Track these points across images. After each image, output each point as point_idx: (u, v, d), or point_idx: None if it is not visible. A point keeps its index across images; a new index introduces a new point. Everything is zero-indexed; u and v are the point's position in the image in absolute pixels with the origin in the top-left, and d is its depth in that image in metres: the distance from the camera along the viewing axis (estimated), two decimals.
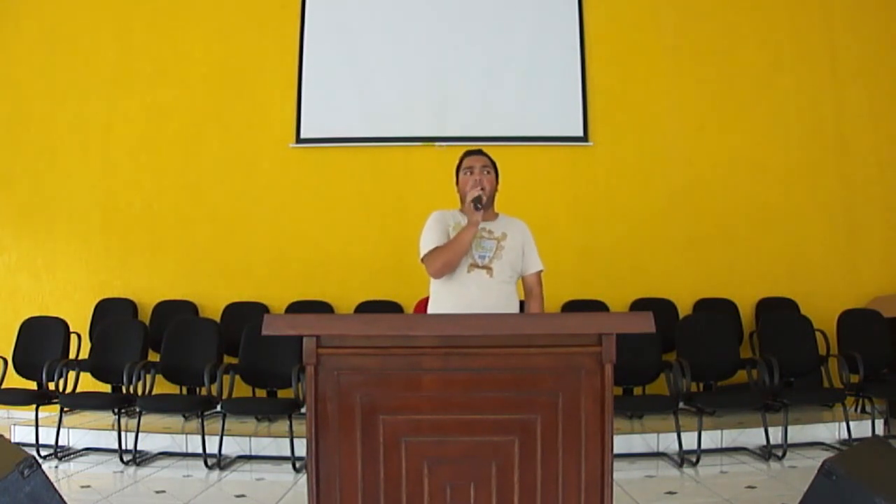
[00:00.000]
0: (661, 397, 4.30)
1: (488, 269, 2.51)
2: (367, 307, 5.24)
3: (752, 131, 5.52)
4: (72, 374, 4.40)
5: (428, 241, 2.54)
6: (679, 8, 5.60)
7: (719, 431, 4.26)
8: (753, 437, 4.20)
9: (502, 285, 2.52)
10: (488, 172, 2.61)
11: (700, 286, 5.34)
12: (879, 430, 4.37)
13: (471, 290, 2.48)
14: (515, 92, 5.50)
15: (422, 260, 2.55)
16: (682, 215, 5.45)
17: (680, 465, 3.95)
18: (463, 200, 2.63)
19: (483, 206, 2.49)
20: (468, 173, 2.61)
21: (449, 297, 2.51)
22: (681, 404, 4.07)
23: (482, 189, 2.52)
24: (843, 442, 4.24)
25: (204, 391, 4.26)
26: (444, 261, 2.47)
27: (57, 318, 4.77)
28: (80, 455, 4.27)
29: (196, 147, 5.57)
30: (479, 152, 2.67)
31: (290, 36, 5.56)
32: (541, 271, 2.65)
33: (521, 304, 2.69)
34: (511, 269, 2.56)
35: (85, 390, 4.46)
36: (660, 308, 5.03)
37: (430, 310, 2.57)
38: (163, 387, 4.49)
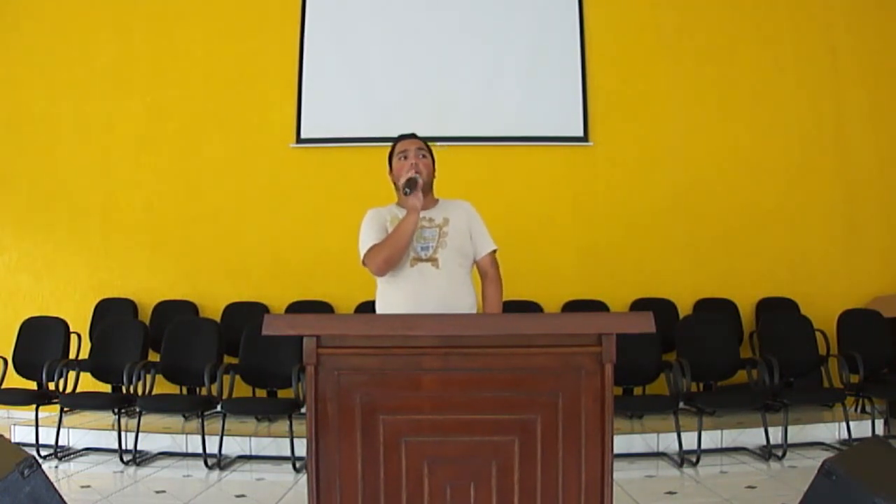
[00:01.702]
0: (661, 397, 4.30)
1: (433, 260, 2.33)
2: (367, 307, 5.22)
3: (752, 131, 5.52)
4: (72, 374, 4.40)
5: (366, 239, 2.36)
6: (679, 8, 5.60)
7: (719, 431, 4.26)
8: (753, 437, 4.20)
9: (451, 275, 2.34)
10: (424, 156, 2.44)
11: (700, 286, 5.34)
12: (879, 430, 4.37)
13: (416, 286, 2.30)
14: (515, 92, 5.50)
15: (363, 261, 2.36)
16: (682, 215, 5.45)
17: (680, 465, 3.94)
18: (398, 190, 2.46)
19: (415, 189, 2.29)
20: (402, 158, 2.44)
21: (394, 296, 2.33)
22: (681, 404, 4.07)
23: (417, 172, 2.35)
24: (843, 442, 4.23)
25: (204, 391, 4.26)
26: (385, 256, 2.28)
27: (57, 318, 4.77)
28: (80, 455, 4.27)
29: (196, 147, 5.57)
30: (412, 136, 2.50)
31: (290, 36, 5.56)
32: (494, 251, 2.46)
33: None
34: (460, 254, 2.38)
35: (85, 390, 4.46)
36: (660, 308, 5.02)
37: (379, 311, 2.38)
38: (163, 387, 4.49)
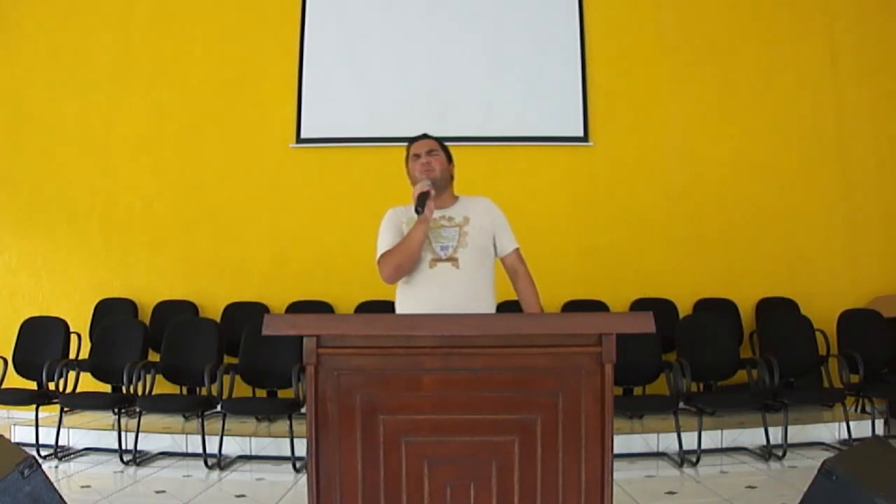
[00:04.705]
0: (661, 397, 4.30)
1: (453, 260, 2.30)
2: (367, 307, 5.24)
3: (752, 131, 5.52)
4: (72, 374, 4.40)
5: (381, 243, 2.37)
6: (679, 8, 5.60)
7: (719, 431, 4.26)
8: (753, 437, 4.20)
9: (472, 275, 2.31)
10: (436, 155, 2.41)
11: (700, 286, 5.34)
12: (879, 430, 4.37)
13: (436, 287, 2.27)
14: (515, 92, 5.50)
15: (377, 264, 2.38)
16: (682, 215, 5.45)
17: (680, 465, 3.95)
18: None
19: (425, 202, 2.25)
20: (416, 160, 2.41)
21: (414, 297, 2.31)
22: (681, 404, 4.07)
23: (429, 173, 2.33)
24: (843, 442, 4.24)
25: (204, 391, 4.26)
26: (395, 264, 2.29)
27: (57, 318, 4.77)
28: (80, 455, 4.27)
29: (196, 147, 5.57)
30: (424, 136, 2.48)
31: (290, 36, 5.56)
32: (517, 249, 2.44)
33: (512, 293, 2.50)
34: (481, 253, 2.35)
35: (85, 390, 4.46)
36: (660, 308, 5.02)
37: (399, 311, 2.36)
38: (163, 387, 4.49)
